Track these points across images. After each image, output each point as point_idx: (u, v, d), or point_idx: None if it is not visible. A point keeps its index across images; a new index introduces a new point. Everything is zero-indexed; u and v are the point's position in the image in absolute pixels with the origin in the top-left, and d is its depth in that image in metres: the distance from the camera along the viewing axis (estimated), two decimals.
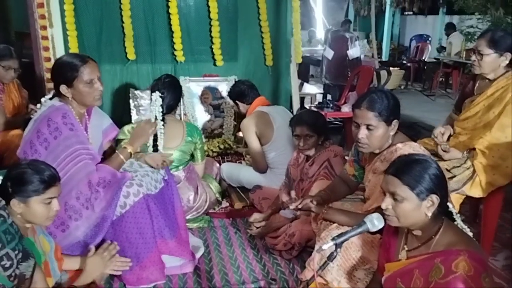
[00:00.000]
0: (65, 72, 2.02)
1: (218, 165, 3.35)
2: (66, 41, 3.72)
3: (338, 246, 1.50)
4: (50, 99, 2.12)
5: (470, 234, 1.52)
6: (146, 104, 4.00)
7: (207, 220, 2.84)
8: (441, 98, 7.94)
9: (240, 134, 4.08)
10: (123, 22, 3.92)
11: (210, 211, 2.94)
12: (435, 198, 1.44)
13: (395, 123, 1.88)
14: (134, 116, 3.84)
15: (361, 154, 2.13)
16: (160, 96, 2.58)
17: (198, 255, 2.38)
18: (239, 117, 4.20)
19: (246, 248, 2.54)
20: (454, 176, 2.26)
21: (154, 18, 4.05)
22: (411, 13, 12.96)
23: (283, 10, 4.38)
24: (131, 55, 4.00)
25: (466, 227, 1.54)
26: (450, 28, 8.93)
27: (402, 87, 8.98)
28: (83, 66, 2.02)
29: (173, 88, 2.76)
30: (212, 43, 4.17)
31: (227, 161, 3.74)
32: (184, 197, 2.70)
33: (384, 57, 11.07)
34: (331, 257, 1.51)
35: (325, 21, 11.20)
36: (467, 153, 2.30)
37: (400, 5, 12.82)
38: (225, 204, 3.09)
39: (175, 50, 4.08)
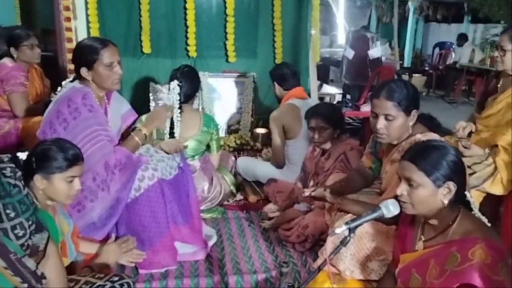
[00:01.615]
0: (85, 55, 2.05)
1: (233, 158, 3.34)
2: (89, 34, 3.79)
3: (351, 230, 1.47)
4: (71, 82, 2.16)
5: (488, 224, 1.47)
6: (165, 97, 4.05)
7: (221, 211, 2.84)
8: (463, 105, 7.79)
9: (257, 130, 4.08)
10: (141, 16, 3.98)
11: (224, 203, 2.93)
12: (452, 185, 1.40)
13: (414, 113, 1.85)
14: (152, 109, 3.88)
15: (379, 146, 2.10)
16: (178, 85, 2.61)
17: (210, 243, 2.37)
18: (257, 113, 4.22)
19: (259, 240, 2.52)
20: (475, 173, 2.21)
21: (174, 13, 4.09)
22: (435, 21, 12.80)
23: (304, 8, 4.37)
24: (147, 49, 4.04)
25: (484, 217, 1.50)
26: (462, 39, 8.89)
27: (424, 93, 8.85)
28: (104, 49, 2.05)
29: (191, 78, 2.77)
30: (226, 39, 4.19)
31: (243, 156, 3.73)
32: (199, 187, 2.70)
33: (406, 64, 10.95)
34: (344, 242, 1.48)
35: (347, 27, 11.14)
36: (489, 150, 2.25)
37: (424, 13, 12.69)
38: (239, 197, 3.07)
39: (188, 45, 4.11)
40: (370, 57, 5.13)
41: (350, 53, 5.13)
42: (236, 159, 3.36)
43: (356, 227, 1.48)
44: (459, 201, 1.45)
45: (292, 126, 2.98)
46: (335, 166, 2.38)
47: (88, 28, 3.76)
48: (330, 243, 1.81)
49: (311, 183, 2.54)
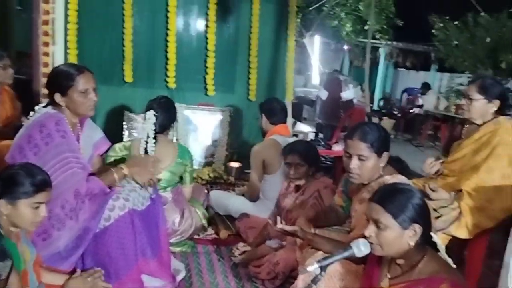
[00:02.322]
0: (60, 81, 2.04)
1: (206, 191, 3.33)
2: (66, 59, 3.78)
3: (323, 268, 1.48)
4: (44, 107, 2.13)
5: (454, 266, 1.52)
6: (139, 127, 4.03)
7: (191, 245, 2.80)
8: (429, 149, 8.08)
9: (231, 164, 4.10)
10: (123, 46, 4.01)
11: (194, 236, 2.89)
12: (417, 227, 1.44)
13: (385, 155, 1.92)
14: (125, 138, 3.84)
15: (349, 185, 2.15)
16: (154, 115, 2.61)
17: (179, 278, 2.33)
18: (232, 147, 4.25)
19: (228, 276, 2.49)
20: (441, 216, 2.27)
21: (155, 44, 4.17)
22: (404, 67, 13.45)
23: (281, 49, 4.53)
24: (129, 78, 4.07)
25: (449, 259, 1.54)
26: (425, 87, 9.61)
27: (392, 136, 9.14)
28: (79, 75, 2.04)
29: (167, 109, 2.79)
30: (206, 73, 4.27)
31: (216, 189, 3.71)
32: (170, 219, 2.67)
33: (375, 107, 11.35)
34: (315, 280, 1.49)
35: (321, 68, 11.53)
36: (455, 194, 2.33)
37: (394, 59, 13.33)
38: (210, 231, 3.05)
39: (167, 76, 4.15)
40: (343, 99, 5.32)
41: (324, 94, 5.32)
42: (208, 192, 3.34)
43: (327, 265, 1.49)
44: (425, 242, 1.50)
45: (272, 162, 3.01)
46: (309, 203, 2.41)
47: (66, 54, 3.76)
48: (301, 281, 1.82)
49: (284, 220, 2.55)
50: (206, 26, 4.20)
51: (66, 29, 3.71)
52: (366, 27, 10.93)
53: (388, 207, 1.45)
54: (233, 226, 3.06)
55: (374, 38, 10.73)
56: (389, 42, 12.16)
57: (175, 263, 2.46)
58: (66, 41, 3.74)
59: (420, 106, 9.29)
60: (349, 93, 5.38)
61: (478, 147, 2.33)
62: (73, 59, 3.80)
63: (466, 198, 2.26)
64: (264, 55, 4.43)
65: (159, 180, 2.47)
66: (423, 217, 1.46)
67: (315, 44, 11.77)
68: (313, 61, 11.56)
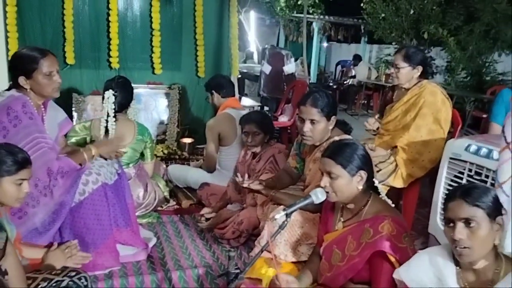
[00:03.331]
0: (24, 64, 2.09)
1: (164, 166, 3.47)
2: (7, 44, 3.69)
3: (288, 215, 1.73)
4: (7, 90, 2.17)
5: (393, 205, 1.84)
6: (90, 109, 4.05)
7: (156, 216, 2.96)
8: (363, 117, 8.67)
9: (184, 140, 4.25)
10: (64, 27, 3.96)
11: (158, 208, 3.05)
12: (363, 173, 1.74)
13: (333, 118, 2.20)
14: (75, 121, 3.85)
15: (302, 148, 2.43)
16: (113, 95, 2.70)
17: (150, 244, 2.49)
18: (183, 124, 4.39)
19: (195, 239, 2.69)
20: (380, 170, 2.62)
21: (97, 25, 4.14)
22: (336, 41, 14.04)
23: (224, 26, 4.68)
24: (71, 60, 4.03)
25: (389, 200, 1.86)
26: (356, 59, 10.18)
27: None
28: (43, 58, 2.10)
29: (125, 88, 2.88)
30: (152, 52, 4.33)
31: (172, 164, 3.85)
32: (134, 193, 2.79)
33: (312, 79, 11.81)
34: (282, 226, 1.74)
35: (258, 44, 11.74)
36: (391, 150, 2.70)
37: (327, 33, 13.84)
38: (172, 203, 3.22)
39: (110, 56, 4.17)
40: (285, 73, 5.60)
41: (268, 69, 5.55)
42: (167, 167, 3.49)
43: (292, 212, 1.74)
44: (370, 187, 1.80)
45: (227, 134, 3.21)
46: (265, 167, 2.66)
47: (7, 38, 3.66)
48: (267, 232, 2.07)
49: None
50: (150, 5, 4.23)
51: (5, 12, 3.59)
52: (299, 2, 11.26)
53: (338, 159, 1.72)
54: (193, 196, 3.25)
55: (307, 12, 11.08)
56: (321, 17, 12.60)
57: (144, 233, 2.62)
58: (5, 24, 3.63)
59: (353, 77, 9.87)
60: (291, 66, 5.67)
61: (407, 108, 2.69)
62: (13, 42, 3.71)
63: (400, 153, 2.62)
64: (209, 32, 4.55)
65: (124, 152, 2.60)
66: (367, 164, 1.76)
67: (251, 20, 11.92)
68: (250, 37, 11.74)
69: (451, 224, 1.36)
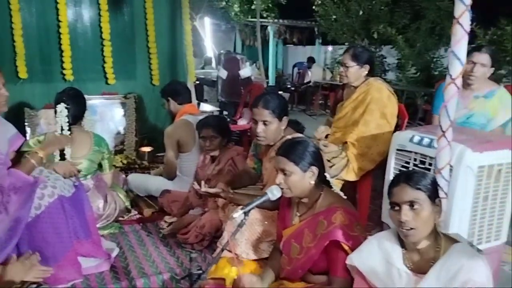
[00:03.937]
0: None
1: (124, 176, 3.45)
2: None
3: (246, 214, 1.79)
4: None
5: (345, 197, 1.94)
6: (43, 123, 3.96)
7: (118, 226, 2.94)
8: (321, 117, 8.89)
9: (143, 149, 4.23)
10: (14, 41, 3.87)
11: (119, 219, 3.03)
12: (315, 169, 1.83)
13: (285, 119, 2.29)
14: (28, 136, 3.76)
15: (258, 149, 2.50)
16: (66, 107, 2.68)
17: (113, 254, 2.48)
18: (141, 133, 4.37)
19: (159, 246, 2.70)
20: (334, 165, 2.74)
21: (48, 37, 4.06)
22: (292, 43, 14.31)
23: (177, 33, 4.70)
24: (23, 74, 3.94)
25: (342, 193, 1.97)
26: (310, 61, 10.52)
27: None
28: None
29: (77, 100, 2.85)
30: (105, 62, 4.30)
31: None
32: (94, 205, 2.77)
33: (271, 82, 11.98)
34: (241, 224, 1.80)
35: (215, 50, 11.79)
36: (342, 146, 2.82)
37: (282, 36, 14.07)
38: (134, 212, 3.20)
39: (64, 69, 4.11)
40: (242, 77, 5.68)
41: (224, 74, 5.62)
42: (126, 176, 3.47)
43: (250, 210, 1.80)
44: (322, 181, 1.89)
45: (186, 141, 3.22)
46: (225, 170, 2.71)
47: None
48: (227, 233, 2.13)
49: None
50: (99, 15, 4.20)
51: None
52: (253, 7, 11.40)
53: (290, 157, 1.81)
54: (155, 204, 3.26)
55: (262, 17, 11.25)
56: (276, 20, 12.82)
57: (106, 244, 2.61)
58: None
59: (308, 83, 10.12)
60: (246, 70, 5.76)
61: (356, 105, 2.83)
62: None
63: (351, 148, 2.75)
64: (162, 39, 4.55)
65: (79, 171, 2.58)
66: (318, 160, 1.85)
67: (206, 26, 11.97)
68: (207, 43, 11.78)
69: (397, 208, 1.47)
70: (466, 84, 2.69)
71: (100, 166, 2.96)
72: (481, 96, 2.74)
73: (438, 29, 8.15)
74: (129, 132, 4.32)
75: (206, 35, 11.83)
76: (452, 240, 1.51)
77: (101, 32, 4.24)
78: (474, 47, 2.75)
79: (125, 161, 4.09)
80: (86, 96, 4.03)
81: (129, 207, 3.16)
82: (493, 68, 2.72)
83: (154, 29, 4.46)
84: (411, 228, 1.44)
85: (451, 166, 1.94)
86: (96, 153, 2.87)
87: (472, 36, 6.34)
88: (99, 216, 2.84)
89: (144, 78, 4.55)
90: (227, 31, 14.46)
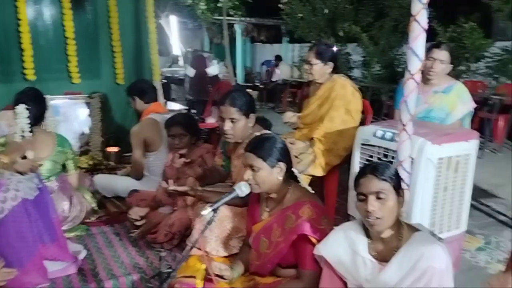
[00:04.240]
0: None
1: (90, 177, 3.39)
2: None
3: (215, 211, 1.80)
4: None
5: (313, 192, 1.98)
6: (4, 125, 3.82)
7: (85, 228, 2.89)
8: None
9: (109, 149, 4.16)
10: None
11: (86, 220, 2.98)
12: (282, 165, 1.86)
13: (252, 116, 2.30)
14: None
15: (227, 146, 2.51)
16: (26, 108, 2.61)
17: (80, 257, 2.44)
18: (107, 133, 4.29)
19: (127, 247, 2.67)
20: (301, 161, 2.78)
21: (7, 37, 3.93)
22: (259, 41, 14.37)
23: (142, 32, 4.64)
24: None
25: (309, 188, 2.00)
26: (277, 59, 10.71)
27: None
28: None
29: (37, 100, 2.77)
30: (69, 61, 4.20)
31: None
32: (59, 207, 2.71)
33: (240, 81, 12.00)
34: (210, 221, 1.80)
35: (182, 48, 11.70)
36: (309, 142, 2.87)
37: (250, 35, 14.11)
38: (101, 213, 3.15)
39: (25, 68, 3.99)
40: (209, 75, 5.67)
41: (191, 72, 5.58)
42: (92, 177, 3.41)
43: (218, 207, 1.81)
44: (290, 177, 1.92)
45: (153, 139, 3.19)
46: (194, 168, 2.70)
47: None
48: (197, 230, 2.12)
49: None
50: (62, 13, 4.09)
51: None
52: (219, 5, 11.38)
53: (258, 153, 1.83)
54: (123, 205, 3.21)
55: (228, 15, 11.23)
56: (242, 18, 12.83)
57: (73, 246, 2.55)
58: None
59: (276, 81, 10.20)
60: (214, 68, 5.75)
61: (322, 102, 2.88)
62: None
63: (317, 143, 2.80)
64: (127, 38, 4.49)
65: (40, 165, 2.51)
66: (285, 156, 1.88)
67: (172, 25, 11.86)
68: (173, 41, 11.68)
69: (363, 198, 1.52)
70: (426, 80, 2.79)
71: (64, 167, 2.89)
72: (440, 91, 2.84)
73: (400, 26, 8.37)
74: (95, 133, 4.24)
75: (173, 33, 11.74)
76: (414, 229, 1.57)
77: (64, 31, 4.14)
78: (433, 44, 2.85)
79: (91, 162, 4.02)
80: (48, 96, 3.97)
81: (96, 208, 3.10)
82: (452, 65, 2.83)
83: (118, 27, 4.40)
84: (378, 218, 1.49)
85: (412, 158, 2.02)
86: (59, 153, 2.81)
87: (433, 33, 6.60)
88: (65, 218, 2.78)
89: (109, 77, 4.48)
90: (194, 29, 14.37)
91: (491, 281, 0.92)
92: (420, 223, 1.83)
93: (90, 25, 4.32)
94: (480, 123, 5.66)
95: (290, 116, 3.02)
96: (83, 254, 2.49)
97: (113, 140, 4.31)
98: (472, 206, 2.84)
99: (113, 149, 4.18)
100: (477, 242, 2.93)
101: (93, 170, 3.96)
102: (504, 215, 3.45)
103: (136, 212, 2.74)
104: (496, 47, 7.05)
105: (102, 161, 4.09)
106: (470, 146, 2.28)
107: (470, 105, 2.83)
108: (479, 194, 3.80)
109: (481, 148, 5.06)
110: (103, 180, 3.37)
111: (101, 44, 4.40)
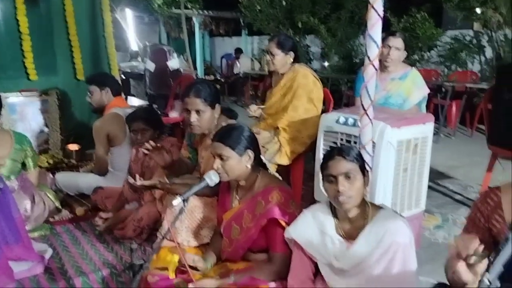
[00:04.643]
0: None
1: (51, 175, 3.29)
2: None
3: (185, 200, 1.81)
4: None
5: (280, 178, 2.03)
6: None
7: (49, 228, 2.81)
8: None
9: (70, 147, 4.04)
10: None
11: (50, 220, 2.90)
12: (250, 153, 1.89)
13: (217, 106, 2.32)
14: None
15: (193, 138, 2.52)
16: None
17: (47, 256, 2.38)
18: (66, 130, 4.17)
19: (95, 244, 2.63)
20: (267, 150, 2.83)
21: None
22: (218, 35, 14.29)
23: (98, 26, 4.53)
24: None
25: (277, 174, 2.05)
26: (238, 52, 10.62)
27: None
28: None
29: None
30: (25, 57, 4.04)
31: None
32: (21, 206, 2.62)
33: (200, 74, 11.91)
34: (181, 211, 1.81)
35: (139, 43, 11.47)
36: (274, 132, 2.92)
37: (208, 28, 14.00)
38: (65, 212, 3.07)
39: None
40: (170, 68, 5.60)
41: (151, 66, 5.49)
42: (54, 175, 3.31)
43: (188, 197, 1.82)
44: (258, 164, 1.96)
45: (117, 134, 3.13)
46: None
47: None
48: (167, 222, 2.13)
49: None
50: (15, 8, 3.92)
51: None
52: None
53: (227, 142, 1.85)
54: (87, 202, 3.15)
55: (186, 8, 11.10)
56: (200, 12, 12.71)
57: (38, 246, 2.49)
58: None
59: (238, 74, 10.20)
60: (175, 62, 5.69)
61: (285, 92, 2.94)
62: None
63: (282, 133, 2.86)
64: (84, 32, 4.35)
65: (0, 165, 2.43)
66: (253, 144, 1.91)
67: (128, 19, 11.58)
68: (130, 36, 11.42)
69: (333, 179, 1.57)
70: (383, 67, 2.90)
71: (24, 165, 2.80)
72: (397, 78, 2.97)
73: (356, 18, 8.60)
74: (53, 130, 4.10)
75: (129, 28, 11.47)
76: (378, 207, 1.65)
77: (18, 26, 3.96)
78: (389, 32, 2.96)
79: (51, 161, 3.89)
80: (2, 94, 3.83)
81: (60, 207, 3.02)
82: (406, 52, 2.96)
83: (75, 21, 4.26)
84: (348, 197, 1.55)
85: (374, 142, 2.11)
86: (18, 151, 2.71)
87: (387, 23, 6.82)
88: (27, 217, 2.69)
89: (66, 72, 4.33)
90: (150, 24, 14.09)
91: (456, 242, 1.00)
92: (383, 204, 1.91)
93: (44, 19, 4.15)
94: (434, 110, 5.92)
95: (254, 109, 3.06)
96: (49, 253, 2.43)
97: (73, 138, 4.19)
98: (429, 187, 3.01)
99: (74, 147, 4.06)
100: (435, 220, 3.10)
101: (53, 168, 3.83)
102: (460, 194, 3.65)
103: (104, 215, 2.70)
104: (447, 36, 7.39)
105: (63, 160, 3.97)
106: (426, 128, 2.41)
107: (425, 90, 2.97)
108: (436, 176, 4.00)
109: (436, 134, 5.31)
110: (65, 178, 3.28)
111: (57, 38, 4.24)
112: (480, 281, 0.99)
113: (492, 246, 1.28)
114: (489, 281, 1.01)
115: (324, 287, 1.69)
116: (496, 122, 3.06)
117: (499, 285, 1.02)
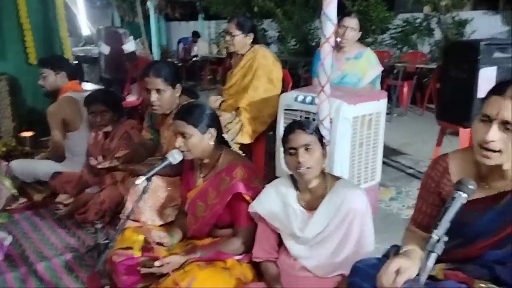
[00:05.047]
0: None
1: (5, 162, 3.18)
2: None
3: (148, 179, 1.82)
4: None
5: (243, 155, 2.08)
6: None
7: (7, 216, 2.75)
8: (211, 91, 8.97)
9: (23, 134, 3.91)
10: None
11: (7, 208, 2.82)
12: (213, 130, 1.92)
13: (178, 86, 2.32)
14: None
15: (154, 119, 2.51)
16: None
17: (6, 243, 2.33)
18: (19, 117, 4.01)
19: (56, 229, 2.59)
20: (229, 130, 2.86)
21: None
22: (174, 19, 14.01)
23: (50, 8, 4.35)
24: None
25: (241, 152, 2.10)
26: (195, 36, 10.56)
27: None
28: None
29: None
30: None
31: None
32: None
33: (157, 59, 11.67)
34: (144, 190, 1.82)
35: (91, 27, 11.06)
36: (235, 112, 2.95)
37: (163, 12, 13.69)
38: (22, 200, 2.99)
39: None
40: (125, 51, 5.46)
41: (106, 49, 5.34)
42: (9, 163, 3.20)
43: (152, 176, 1.83)
44: (221, 142, 2.00)
45: (73, 118, 3.05)
46: (120, 145, 2.67)
47: None
48: (131, 202, 2.13)
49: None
50: None
51: None
52: None
53: (189, 120, 1.87)
54: (45, 188, 3.08)
55: None
56: None
57: None
58: None
59: (196, 55, 10.09)
60: (130, 45, 5.55)
61: (245, 72, 2.97)
62: None
63: (243, 112, 2.90)
64: (35, 15, 4.17)
65: None
66: (215, 122, 1.94)
67: (79, 2, 11.12)
68: (81, 20, 10.99)
69: (293, 152, 1.64)
70: (339, 48, 2.99)
71: None
72: (352, 58, 3.07)
73: (312, 1, 8.68)
74: (5, 117, 3.95)
75: (80, 12, 11.02)
76: (337, 178, 1.74)
77: None
78: (344, 13, 3.05)
79: (4, 149, 3.75)
80: None
81: (16, 194, 2.94)
82: (361, 32, 3.06)
83: (25, 3, 4.06)
84: (308, 168, 1.62)
85: (331, 119, 2.20)
86: None
87: (342, 7, 6.97)
88: None
89: (17, 57, 4.15)
90: (102, 7, 13.62)
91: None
92: (341, 176, 2.01)
93: None
94: (387, 90, 6.13)
95: (214, 100, 3.08)
96: (8, 240, 2.38)
97: (26, 124, 4.05)
98: (384, 163, 3.16)
99: (27, 134, 3.93)
100: (390, 193, 3.27)
101: (7, 156, 3.69)
102: (412, 168, 3.85)
103: (63, 199, 2.65)
104: (398, 19, 7.63)
105: (16, 147, 3.84)
106: (380, 105, 2.52)
107: (378, 68, 3.09)
108: (390, 152, 4.19)
109: (389, 113, 5.52)
110: (21, 166, 3.17)
111: (6, 22, 4.04)
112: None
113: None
114: (438, 236, 1.11)
115: (287, 257, 1.77)
116: (444, 99, 3.24)
117: (447, 239, 1.13)
